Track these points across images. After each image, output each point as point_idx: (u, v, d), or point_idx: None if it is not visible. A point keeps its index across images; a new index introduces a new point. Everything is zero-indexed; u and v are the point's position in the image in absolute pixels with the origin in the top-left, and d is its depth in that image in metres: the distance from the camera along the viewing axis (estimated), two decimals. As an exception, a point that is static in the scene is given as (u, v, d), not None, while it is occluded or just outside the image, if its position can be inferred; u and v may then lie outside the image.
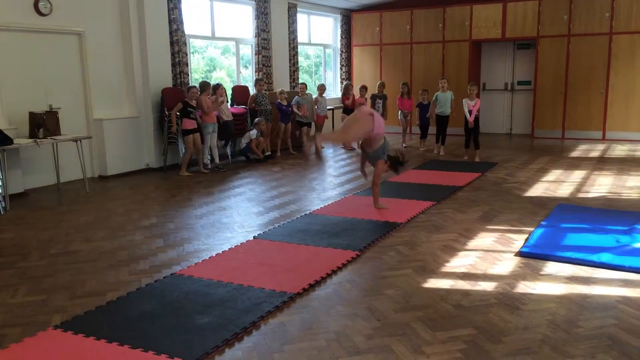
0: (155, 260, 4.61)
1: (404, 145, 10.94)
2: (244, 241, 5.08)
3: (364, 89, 11.02)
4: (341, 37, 13.70)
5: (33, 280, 4.20)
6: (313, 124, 10.93)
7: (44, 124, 7.02)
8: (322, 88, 11.21)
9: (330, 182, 7.91)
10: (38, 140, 6.84)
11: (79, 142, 7.31)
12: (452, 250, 4.76)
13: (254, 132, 9.56)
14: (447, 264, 4.41)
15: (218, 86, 8.79)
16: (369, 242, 4.95)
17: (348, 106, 10.79)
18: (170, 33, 8.98)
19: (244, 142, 9.62)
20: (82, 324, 3.41)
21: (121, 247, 5.00)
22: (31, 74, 7.45)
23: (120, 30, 8.50)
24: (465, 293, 3.83)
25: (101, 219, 6.02)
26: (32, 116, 6.99)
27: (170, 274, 4.26)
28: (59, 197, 7.17)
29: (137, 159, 8.71)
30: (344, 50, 13.80)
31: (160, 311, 3.60)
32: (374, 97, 11.10)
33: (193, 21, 9.74)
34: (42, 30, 7.51)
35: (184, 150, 8.67)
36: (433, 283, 4.03)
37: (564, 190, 6.94)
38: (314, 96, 10.99)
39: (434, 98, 9.99)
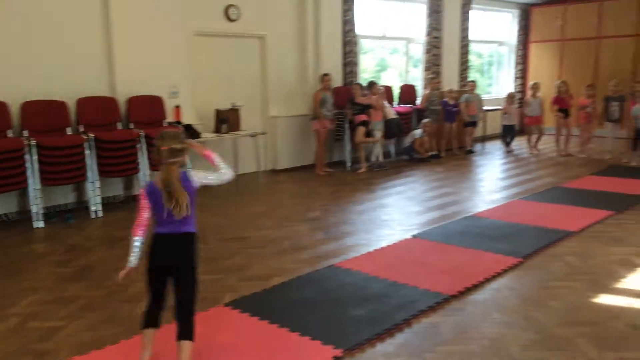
0: (316, 251, 4.85)
1: None
2: (402, 239, 5.11)
3: (591, 87, 9.64)
4: (518, 33, 13.01)
5: (210, 261, 4.66)
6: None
7: (227, 120, 7.74)
8: (535, 87, 10.27)
9: (496, 184, 7.58)
10: (220, 134, 7.56)
11: (255, 137, 7.93)
12: (630, 265, 4.29)
13: (418, 132, 9.53)
14: (624, 280, 4.00)
15: (372, 84, 8.87)
16: (534, 249, 4.67)
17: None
18: (343, 34, 9.31)
19: (408, 140, 9.64)
20: (249, 304, 3.72)
21: (286, 236, 5.34)
22: (218, 74, 8.25)
23: (297, 33, 9.02)
24: (644, 314, 3.45)
25: (270, 209, 6.47)
26: (218, 113, 7.74)
27: (330, 265, 4.45)
28: (236, 187, 7.85)
29: (304, 155, 9.17)
30: (520, 47, 13.08)
31: (318, 299, 3.79)
32: (607, 99, 9.40)
33: (365, 22, 9.97)
34: (230, 34, 8.26)
35: (349, 147, 8.95)
36: (605, 299, 3.69)
37: None
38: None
39: None
